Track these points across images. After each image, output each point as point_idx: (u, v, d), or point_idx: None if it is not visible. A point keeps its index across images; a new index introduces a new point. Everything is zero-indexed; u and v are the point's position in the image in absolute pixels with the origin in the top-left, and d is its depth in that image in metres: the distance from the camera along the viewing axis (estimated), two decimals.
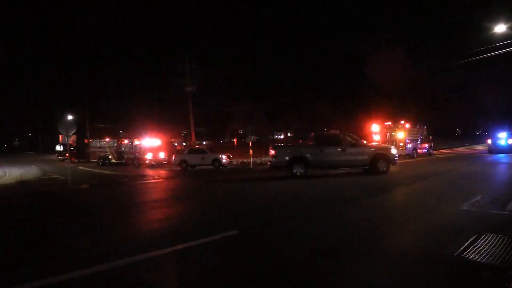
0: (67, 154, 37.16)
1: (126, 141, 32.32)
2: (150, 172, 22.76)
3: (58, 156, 40.53)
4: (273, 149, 15.62)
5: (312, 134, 16.91)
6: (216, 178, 17.27)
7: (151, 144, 29.88)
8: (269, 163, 16.25)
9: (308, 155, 14.82)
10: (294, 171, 14.69)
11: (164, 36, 78.51)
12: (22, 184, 16.43)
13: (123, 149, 31.97)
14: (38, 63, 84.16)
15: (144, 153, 29.48)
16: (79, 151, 38.12)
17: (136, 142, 31.15)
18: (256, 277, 3.80)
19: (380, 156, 15.00)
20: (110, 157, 32.54)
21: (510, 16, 18.59)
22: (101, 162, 32.43)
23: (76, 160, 36.74)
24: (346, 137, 15.57)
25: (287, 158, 14.85)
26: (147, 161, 28.91)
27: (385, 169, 14.81)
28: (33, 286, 3.67)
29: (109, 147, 33.17)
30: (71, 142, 16.04)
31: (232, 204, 9.23)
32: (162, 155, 29.44)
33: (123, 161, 31.18)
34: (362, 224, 6.08)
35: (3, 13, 75.64)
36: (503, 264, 3.84)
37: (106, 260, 4.35)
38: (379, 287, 3.52)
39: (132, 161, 30.27)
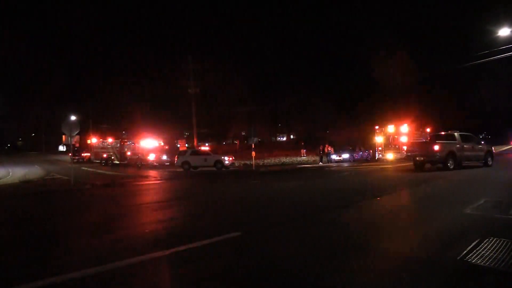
0: (82, 154, 37.61)
1: (128, 142, 32.45)
2: (152, 173, 22.80)
3: (71, 155, 39.39)
4: (438, 144, 16.85)
5: (455, 132, 18.30)
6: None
7: (153, 145, 30.00)
8: (422, 158, 17.24)
9: (456, 151, 16.74)
10: (449, 164, 16.36)
11: (167, 37, 78.75)
12: (25, 184, 16.50)
13: (125, 150, 32.09)
14: (42, 63, 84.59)
15: (147, 154, 29.57)
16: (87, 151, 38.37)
17: (139, 143, 31.27)
18: (257, 280, 3.80)
19: (489, 152, 17.76)
20: (113, 157, 32.65)
21: None
22: (103, 162, 32.55)
23: (87, 160, 37.10)
24: (474, 136, 18.26)
25: (445, 153, 16.51)
26: (149, 162, 28.99)
27: (490, 163, 17.64)
28: (35, 285, 3.67)
29: (112, 147, 33.30)
30: (73, 143, 16.11)
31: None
32: (164, 156, 29.53)
33: (126, 162, 31.28)
34: (364, 226, 6.07)
35: (7, 14, 76.15)
36: (506, 269, 3.82)
37: (108, 261, 4.35)
38: None
39: (134, 162, 30.37)
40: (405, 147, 25.94)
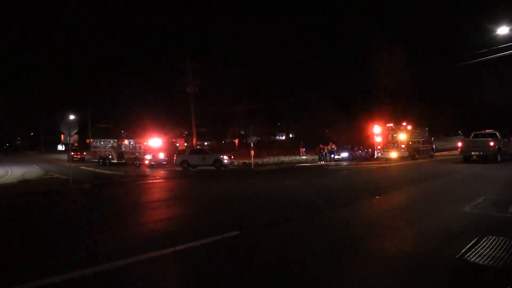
0: (85, 153, 37.63)
1: (126, 141, 32.34)
2: (150, 172, 22.76)
3: (73, 154, 37.29)
4: (493, 141, 19.19)
5: (496, 131, 20.54)
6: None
7: (151, 144, 29.91)
8: (476, 153, 19.30)
9: (501, 147, 19.28)
10: (497, 157, 18.80)
11: (166, 36, 78.63)
12: (24, 183, 16.45)
13: (123, 149, 31.99)
14: (41, 63, 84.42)
15: (144, 153, 29.50)
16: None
17: (137, 142, 31.19)
18: (256, 278, 3.80)
19: None
20: (110, 157, 32.55)
21: None
22: (101, 162, 32.46)
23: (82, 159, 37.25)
24: (507, 134, 20.71)
25: (496, 148, 18.95)
26: (146, 161, 28.93)
27: None
28: (35, 285, 3.66)
29: (111, 146, 33.20)
30: (72, 142, 16.03)
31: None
32: (161, 156, 29.47)
33: (124, 161, 31.19)
34: (362, 224, 6.06)
35: (6, 13, 75.96)
36: (505, 267, 3.82)
37: (107, 260, 4.34)
38: None
39: (132, 161, 30.27)
40: (403, 145, 26.05)
